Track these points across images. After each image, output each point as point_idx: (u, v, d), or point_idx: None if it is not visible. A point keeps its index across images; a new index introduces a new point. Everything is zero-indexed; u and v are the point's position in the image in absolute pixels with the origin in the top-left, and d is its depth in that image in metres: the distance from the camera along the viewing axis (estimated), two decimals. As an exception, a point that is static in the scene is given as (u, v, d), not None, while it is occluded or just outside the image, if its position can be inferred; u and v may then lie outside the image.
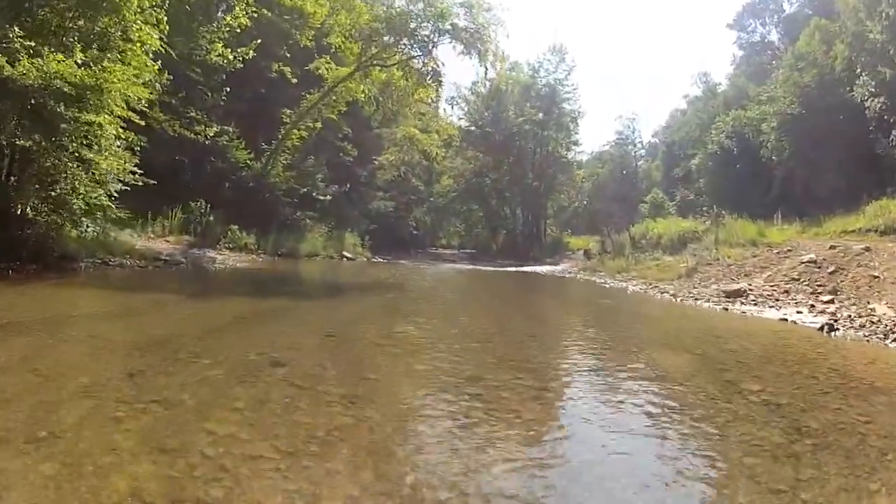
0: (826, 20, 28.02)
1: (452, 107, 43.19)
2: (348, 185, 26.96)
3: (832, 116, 25.06)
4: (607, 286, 15.79)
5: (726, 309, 10.33)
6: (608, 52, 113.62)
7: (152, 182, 12.05)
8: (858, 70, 24.03)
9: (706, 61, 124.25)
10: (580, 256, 31.04)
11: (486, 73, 21.42)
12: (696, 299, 11.63)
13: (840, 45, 25.41)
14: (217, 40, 19.39)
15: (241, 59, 19.93)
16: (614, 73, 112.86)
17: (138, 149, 11.87)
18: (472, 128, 42.12)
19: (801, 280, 12.80)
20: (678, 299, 12.01)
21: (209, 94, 21.20)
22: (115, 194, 11.81)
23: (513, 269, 24.99)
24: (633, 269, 18.94)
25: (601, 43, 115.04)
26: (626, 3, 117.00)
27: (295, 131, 22.91)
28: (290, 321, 7.10)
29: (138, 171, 11.35)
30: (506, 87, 40.68)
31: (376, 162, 30.73)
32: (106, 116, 9.87)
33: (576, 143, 43.24)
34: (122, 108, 10.59)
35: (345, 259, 23.71)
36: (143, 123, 11.51)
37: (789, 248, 15.95)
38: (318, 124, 23.59)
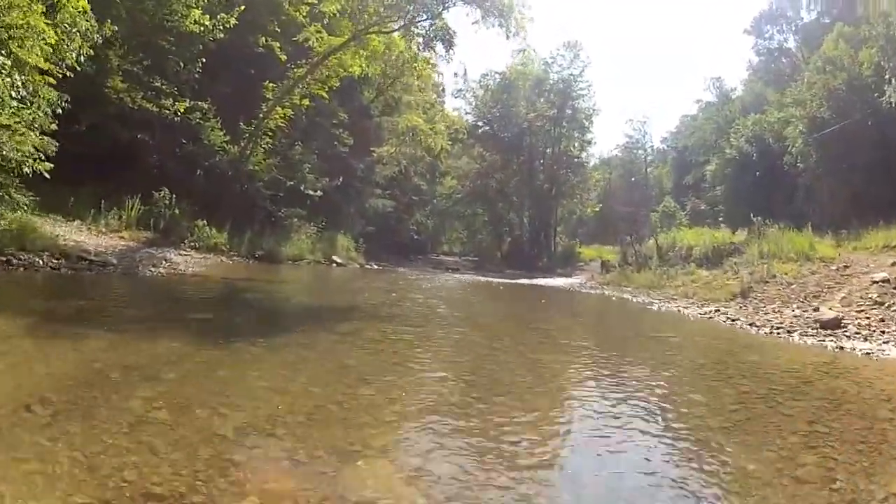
0: (849, 27, 26.46)
1: (460, 92, 40.20)
2: (341, 178, 23.84)
3: (863, 122, 23.08)
4: (654, 308, 12.92)
5: (841, 348, 7.68)
6: (613, 57, 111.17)
7: (54, 150, 9.17)
8: (888, 76, 22.19)
9: (718, 67, 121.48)
10: (594, 268, 28.50)
11: (507, 36, 17.77)
12: (789, 331, 8.89)
13: (866, 50, 23.64)
14: (194, 6, 16.71)
15: (221, 27, 17.16)
16: (619, 77, 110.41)
17: (60, 111, 9.20)
18: (480, 123, 39.29)
19: (888, 305, 10.55)
20: (759, 330, 9.26)
21: (181, 65, 18.37)
22: (46, 174, 9.23)
23: (524, 281, 22.15)
24: (667, 286, 16.37)
25: (606, 47, 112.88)
26: (630, 11, 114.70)
27: (279, 110, 19.71)
28: (116, 419, 3.30)
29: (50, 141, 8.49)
30: (517, 80, 37.91)
31: (375, 154, 27.66)
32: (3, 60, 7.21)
33: (590, 143, 40.33)
34: (38, 54, 7.95)
35: (334, 265, 20.82)
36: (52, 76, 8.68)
37: (845, 263, 13.80)
38: (306, 101, 20.41)
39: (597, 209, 41.15)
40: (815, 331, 8.73)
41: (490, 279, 21.60)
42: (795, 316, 10.03)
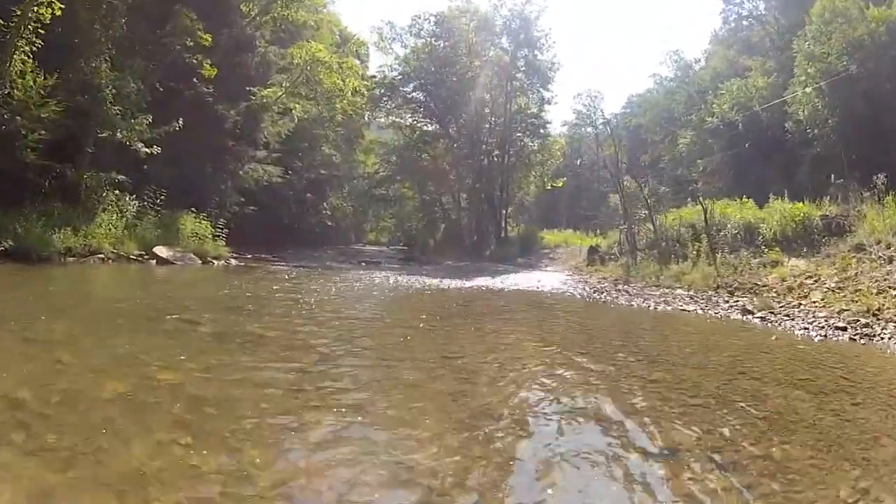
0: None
1: (385, 41, 31.64)
2: (181, 121, 14.38)
3: (889, 82, 20.12)
4: None
5: None
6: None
7: None
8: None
9: (670, 41, 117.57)
10: (566, 256, 21.58)
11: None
12: None
13: (875, 9, 20.90)
14: None
15: None
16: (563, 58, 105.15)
17: None
18: (412, 80, 30.83)
19: None
20: None
21: None
22: None
23: (486, 279, 14.01)
24: (754, 285, 9.42)
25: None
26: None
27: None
28: None
29: None
30: (457, 20, 29.74)
31: (255, 98, 18.77)
32: None
33: (549, 102, 32.12)
34: None
35: (156, 262, 12.36)
36: None
37: None
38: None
39: (559, 184, 33.70)
40: None
41: (425, 279, 13.32)
42: None
